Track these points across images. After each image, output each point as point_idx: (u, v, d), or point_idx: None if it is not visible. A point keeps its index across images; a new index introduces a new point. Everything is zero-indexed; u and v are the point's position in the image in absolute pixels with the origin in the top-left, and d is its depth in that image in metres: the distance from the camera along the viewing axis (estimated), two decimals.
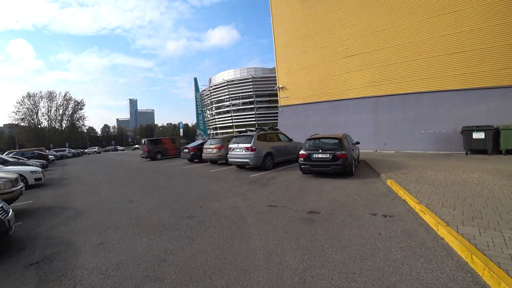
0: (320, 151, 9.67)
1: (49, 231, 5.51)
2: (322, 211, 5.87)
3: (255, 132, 12.53)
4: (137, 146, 66.74)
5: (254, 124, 43.93)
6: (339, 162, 9.31)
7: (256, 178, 10.35)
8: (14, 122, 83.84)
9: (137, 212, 6.51)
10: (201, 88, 51.58)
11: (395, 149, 18.06)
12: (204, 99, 51.68)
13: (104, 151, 68.60)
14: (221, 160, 14.91)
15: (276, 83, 39.05)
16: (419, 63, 17.33)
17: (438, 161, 12.05)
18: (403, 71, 18.12)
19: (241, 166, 13.09)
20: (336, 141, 10.00)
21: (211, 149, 15.12)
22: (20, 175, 11.53)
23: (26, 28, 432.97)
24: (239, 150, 12.12)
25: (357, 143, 11.96)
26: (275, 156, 12.64)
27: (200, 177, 11.50)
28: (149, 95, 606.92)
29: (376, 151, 18.48)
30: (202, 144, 17.87)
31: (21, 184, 7.74)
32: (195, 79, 47.58)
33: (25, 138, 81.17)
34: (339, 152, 9.38)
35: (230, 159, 12.60)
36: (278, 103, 48.46)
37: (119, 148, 76.12)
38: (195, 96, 47.16)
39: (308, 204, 6.48)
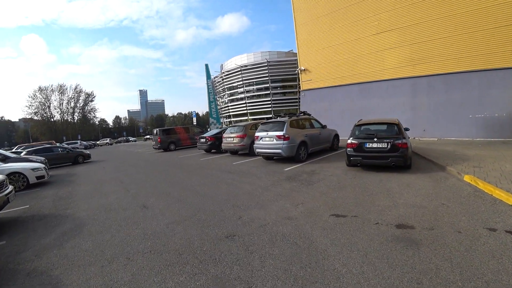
0: (375, 139, 7.78)
1: (35, 259, 3.91)
2: (415, 224, 4.14)
3: (286, 118, 10.67)
4: (148, 136, 65.60)
5: (270, 111, 41.77)
6: (399, 153, 7.49)
7: (293, 173, 8.56)
8: (27, 117, 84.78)
9: (153, 226, 4.82)
10: (212, 75, 49.69)
11: (436, 136, 15.94)
12: (216, 86, 49.60)
13: (116, 143, 68.07)
14: (244, 151, 13.15)
15: (294, 67, 36.86)
16: (465, 38, 14.95)
17: (501, 150, 10.18)
18: (446, 47, 15.76)
19: (269, 158, 11.32)
20: (394, 127, 8.15)
21: (232, 138, 13.35)
22: (20, 173, 10.18)
23: (36, 24, 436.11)
24: (268, 139, 10.30)
25: (406, 129, 9.99)
26: (309, 146, 10.79)
27: (224, 171, 9.78)
28: (158, 85, 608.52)
29: (414, 138, 16.36)
30: (220, 132, 16.14)
31: (9, 189, 6.14)
32: (207, 66, 45.63)
33: (39, 131, 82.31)
34: (399, 141, 7.54)
35: (257, 150, 10.81)
36: (295, 88, 46.52)
37: (131, 139, 75.52)
38: (207, 83, 45.26)
39: (385, 212, 4.72)
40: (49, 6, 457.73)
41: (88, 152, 21.19)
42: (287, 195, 6.09)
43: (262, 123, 11.24)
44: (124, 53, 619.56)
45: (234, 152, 14.12)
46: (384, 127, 8.48)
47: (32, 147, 26.54)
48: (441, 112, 16.18)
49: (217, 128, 41.44)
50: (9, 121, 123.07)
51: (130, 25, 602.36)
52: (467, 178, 6.60)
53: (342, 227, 4.18)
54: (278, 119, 10.92)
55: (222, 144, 14.35)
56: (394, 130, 8.06)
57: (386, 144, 7.63)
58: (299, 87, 43.44)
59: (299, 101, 41.49)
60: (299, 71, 21.65)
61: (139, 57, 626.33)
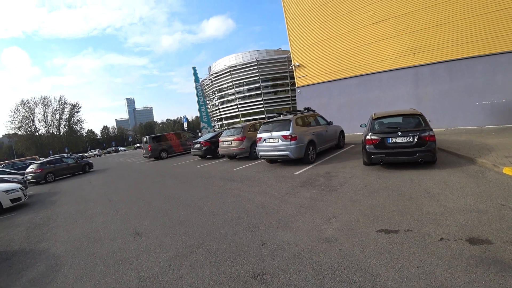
0: (399, 133, 6.83)
1: None
2: (490, 237, 3.25)
3: (291, 116, 9.62)
4: (138, 145, 63.59)
5: (263, 111, 40.63)
6: (426, 147, 6.62)
7: (307, 177, 7.52)
8: (11, 132, 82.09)
9: (150, 263, 3.68)
10: (200, 78, 48.30)
11: (442, 126, 15.16)
12: (205, 89, 48.19)
13: (105, 153, 66.00)
14: (243, 155, 12.03)
15: (284, 65, 35.95)
16: (467, 23, 14.24)
17: None
18: (447, 33, 15.01)
19: (273, 161, 10.27)
20: (417, 118, 7.29)
21: (229, 142, 12.23)
22: None
23: (17, 36, 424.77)
24: (273, 141, 9.23)
25: None
26: (317, 145, 9.78)
27: (226, 179, 8.65)
28: (146, 92, 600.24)
29: None
30: (216, 136, 15.01)
31: None
32: (194, 69, 44.25)
33: (24, 146, 79.95)
34: (426, 134, 6.68)
35: (260, 153, 9.72)
36: (286, 87, 45.57)
37: (120, 148, 73.50)
38: (195, 86, 43.89)
39: (442, 221, 3.87)
40: (29, 17, 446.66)
41: (91, 161, 22.41)
42: (312, 207, 5.03)
43: (264, 123, 10.16)
44: (109, 62, 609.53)
45: (232, 157, 13.03)
46: (406, 119, 7.55)
47: (13, 164, 24.94)
48: (446, 101, 15.42)
49: (209, 132, 40.18)
50: None
51: (113, 33, 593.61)
52: (507, 171, 5.76)
53: (401, 249, 3.17)
54: (282, 117, 9.87)
55: (218, 149, 13.22)
56: (418, 122, 7.15)
57: (411, 137, 6.71)
58: (291, 85, 42.82)
59: (295, 99, 40.66)
60: (293, 67, 20.66)
61: (125, 65, 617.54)
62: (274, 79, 40.84)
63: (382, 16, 17.01)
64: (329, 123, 11.35)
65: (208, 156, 15.07)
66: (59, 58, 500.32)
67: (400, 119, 7.63)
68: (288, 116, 9.58)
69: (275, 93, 41.64)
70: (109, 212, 6.82)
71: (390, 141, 6.92)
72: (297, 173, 8.19)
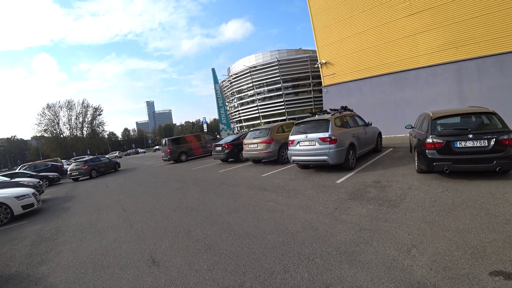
0: (470, 136, 5.52)
1: None
2: None
3: (328, 115, 8.43)
4: (157, 147, 63.75)
5: (284, 112, 39.36)
6: (505, 153, 5.31)
7: (353, 187, 6.31)
8: (37, 134, 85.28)
9: None
10: (220, 79, 47.69)
11: None
12: (224, 91, 47.46)
13: (125, 155, 66.75)
14: (270, 158, 10.93)
15: (305, 65, 34.61)
16: None
17: None
18: (498, 23, 13.37)
19: (305, 166, 9.08)
20: (491, 118, 5.96)
21: (255, 145, 11.16)
22: (1, 203, 8.21)
23: (45, 44, 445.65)
24: (308, 144, 8.06)
25: None
26: (357, 148, 8.54)
27: (255, 188, 7.56)
28: (165, 95, 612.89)
29: None
30: (239, 138, 14.00)
31: None
32: (213, 70, 43.91)
33: (49, 148, 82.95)
34: (505, 137, 5.37)
35: (293, 157, 8.56)
36: (308, 87, 44.05)
37: (140, 150, 74.25)
38: (214, 88, 43.39)
39: None
40: (56, 26, 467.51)
41: (119, 161, 25.20)
42: (376, 229, 3.84)
43: (296, 124, 8.99)
44: (130, 67, 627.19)
45: (257, 161, 11.97)
46: (476, 119, 6.20)
47: (35, 166, 25.03)
48: (496, 99, 13.68)
49: (228, 134, 39.31)
50: (21, 139, 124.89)
51: (134, 39, 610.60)
52: None
53: None
54: (317, 117, 8.69)
55: (242, 152, 12.20)
56: (493, 122, 5.81)
57: (486, 141, 5.39)
58: (314, 85, 41.36)
59: (318, 100, 39.03)
60: (319, 65, 19.40)
61: (145, 70, 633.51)
62: (295, 79, 39.47)
63: (418, 7, 15.53)
64: (368, 124, 10.07)
65: (230, 160, 14.10)
66: (84, 64, 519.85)
67: (469, 119, 6.27)
68: (326, 116, 8.39)
69: (296, 94, 40.27)
70: (122, 226, 5.88)
71: (458, 145, 5.62)
72: (338, 181, 6.98)
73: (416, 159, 6.87)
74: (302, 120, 8.90)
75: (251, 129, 12.53)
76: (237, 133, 19.16)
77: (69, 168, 19.76)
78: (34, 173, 19.20)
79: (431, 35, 15.26)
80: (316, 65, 19.50)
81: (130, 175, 16.67)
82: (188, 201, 7.17)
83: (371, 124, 10.20)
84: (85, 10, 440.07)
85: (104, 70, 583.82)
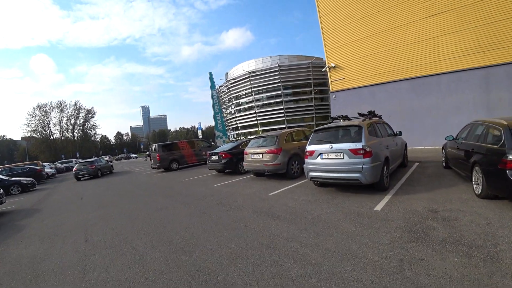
0: None
1: None
2: None
3: (359, 121, 6.64)
4: (147, 153, 59.91)
5: (283, 120, 37.46)
6: None
7: (404, 220, 4.51)
8: (27, 135, 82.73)
9: None
10: (217, 84, 45.85)
11: None
12: (221, 97, 45.60)
13: (116, 160, 64.26)
14: (278, 172, 9.03)
15: (307, 72, 33.10)
16: None
17: None
18: None
19: (324, 183, 7.22)
20: None
21: (259, 155, 9.30)
22: None
23: (42, 44, 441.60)
24: (333, 156, 6.22)
25: None
26: (390, 163, 6.77)
27: (265, 214, 5.66)
28: (162, 101, 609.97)
29: None
30: (238, 147, 12.16)
31: None
32: (210, 74, 41.97)
33: (38, 150, 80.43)
34: None
35: (312, 173, 6.67)
36: (309, 95, 42.29)
37: (132, 155, 71.83)
38: (211, 93, 41.54)
39: None
40: (55, 27, 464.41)
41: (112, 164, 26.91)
42: None
43: (316, 131, 7.14)
44: (128, 71, 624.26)
45: (259, 174, 10.12)
46: None
47: (11, 169, 22.73)
48: None
49: (224, 141, 37.36)
50: (11, 140, 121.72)
51: (133, 43, 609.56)
52: None
53: None
54: (345, 122, 6.90)
55: (243, 163, 10.31)
56: None
57: None
58: (315, 93, 39.78)
59: (321, 108, 37.39)
60: (328, 68, 17.76)
61: (142, 74, 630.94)
62: (296, 86, 37.82)
63: (441, 7, 14.08)
64: (397, 134, 8.31)
65: (227, 171, 12.21)
66: (83, 66, 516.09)
67: None
68: (356, 121, 6.61)
69: (296, 101, 38.58)
70: (71, 273, 3.93)
71: None
72: (378, 208, 5.16)
73: (481, 179, 5.09)
74: (324, 126, 7.07)
75: (254, 136, 10.67)
76: (234, 140, 17.32)
77: (74, 168, 20.98)
78: (5, 178, 17.03)
79: (455, 38, 13.75)
80: (324, 69, 17.86)
81: (114, 183, 14.62)
82: (173, 232, 5.24)
83: (400, 134, 8.44)
84: (85, 13, 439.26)
85: (102, 73, 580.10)
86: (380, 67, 15.86)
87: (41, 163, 26.71)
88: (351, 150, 5.88)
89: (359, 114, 7.56)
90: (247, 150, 9.92)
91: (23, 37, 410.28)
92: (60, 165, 39.55)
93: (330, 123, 7.58)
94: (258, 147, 9.51)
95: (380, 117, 8.11)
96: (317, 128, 7.13)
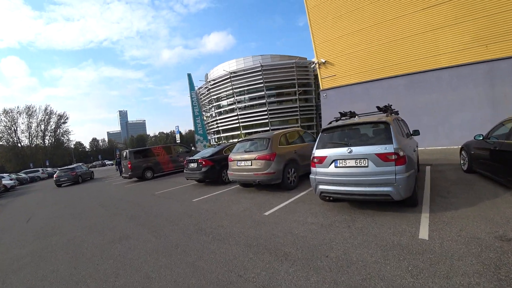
0: None
1: None
2: None
3: (383, 116, 5.10)
4: (117, 160, 56.18)
5: (267, 122, 35.77)
6: None
7: (458, 249, 2.96)
8: None
9: None
10: (196, 86, 43.65)
11: None
12: (201, 99, 43.36)
13: (90, 167, 60.30)
14: (271, 182, 7.32)
15: (291, 71, 31.85)
16: None
17: None
18: None
19: (338, 199, 5.60)
20: None
21: (247, 162, 7.59)
22: None
23: (12, 46, 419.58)
24: (353, 164, 4.61)
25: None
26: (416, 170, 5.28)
27: (263, 249, 3.97)
28: (141, 105, 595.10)
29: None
30: (221, 152, 10.42)
31: None
32: (189, 76, 39.85)
33: (4, 158, 74.73)
34: None
35: (324, 186, 4.99)
36: (294, 96, 40.63)
37: (108, 162, 68.00)
38: (190, 96, 39.38)
39: None
40: (25, 28, 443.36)
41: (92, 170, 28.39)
42: None
43: (325, 130, 5.47)
44: (105, 74, 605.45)
45: (247, 184, 8.41)
46: None
47: None
48: None
49: (205, 146, 35.28)
50: None
51: (110, 46, 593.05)
52: None
53: None
54: (364, 118, 5.35)
55: (228, 172, 8.54)
56: None
57: None
58: (300, 94, 38.38)
59: (307, 109, 36.06)
60: (317, 65, 16.38)
61: (120, 78, 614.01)
62: (279, 87, 36.32)
63: None
64: (414, 133, 6.86)
65: (207, 180, 10.40)
66: (58, 69, 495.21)
67: None
68: (379, 116, 5.07)
69: (280, 102, 37.05)
70: None
71: None
72: (423, 236, 3.66)
73: None
74: (337, 124, 5.41)
75: (240, 139, 8.92)
76: (216, 144, 15.63)
77: (55, 175, 21.34)
78: None
79: (454, 30, 12.73)
80: (312, 66, 16.57)
81: (74, 198, 12.41)
82: (134, 280, 3.44)
83: (417, 133, 6.98)
84: (59, 14, 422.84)
85: (78, 77, 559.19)
86: (374, 62, 14.63)
87: None
88: (378, 155, 4.31)
89: (378, 108, 5.99)
90: (232, 156, 8.18)
91: None
92: (24, 175, 36.06)
93: (336, 120, 6.01)
94: (246, 152, 7.82)
95: (397, 113, 6.63)
96: (327, 126, 5.50)
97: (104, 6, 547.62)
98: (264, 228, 4.79)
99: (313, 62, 15.80)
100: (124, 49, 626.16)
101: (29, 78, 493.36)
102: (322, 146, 5.15)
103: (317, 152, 5.12)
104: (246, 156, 7.60)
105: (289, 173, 7.49)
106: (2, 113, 75.71)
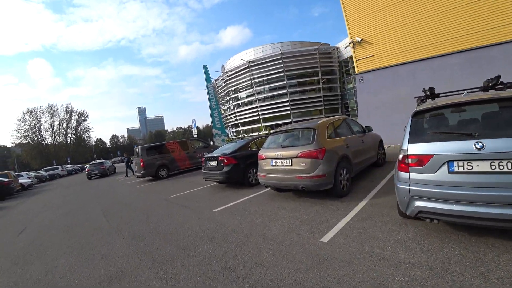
0: None
1: None
2: None
3: None
4: (123, 157, 51.19)
5: (289, 114, 33.62)
6: None
7: None
8: (17, 141, 79.18)
9: None
10: (213, 78, 41.95)
11: None
12: (217, 91, 41.57)
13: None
14: (320, 188, 5.37)
15: (314, 59, 29.60)
16: None
17: None
18: None
19: (408, 217, 3.62)
20: None
21: (286, 161, 5.70)
22: None
23: (36, 49, 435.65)
24: (488, 169, 2.66)
25: None
26: None
27: None
28: (160, 102, 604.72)
29: None
30: (246, 147, 8.65)
31: None
32: (205, 67, 38.04)
33: (29, 156, 77.23)
34: None
35: (434, 207, 3.02)
36: (317, 85, 38.11)
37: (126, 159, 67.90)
38: (207, 88, 37.62)
39: None
40: (48, 31, 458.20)
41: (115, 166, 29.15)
42: None
43: (420, 113, 3.50)
44: (123, 73, 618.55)
45: (282, 189, 6.52)
46: None
47: None
48: None
49: (223, 140, 33.58)
50: (4, 147, 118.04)
51: (127, 45, 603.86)
52: None
53: None
54: (489, 94, 3.39)
55: (259, 174, 6.61)
56: None
57: None
58: (323, 82, 35.94)
59: (331, 98, 33.66)
60: (351, 44, 14.19)
61: (139, 76, 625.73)
62: (301, 76, 33.86)
63: None
64: None
65: (229, 181, 8.63)
66: (80, 69, 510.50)
67: None
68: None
69: (302, 92, 34.61)
70: None
71: None
72: None
73: None
74: (444, 103, 3.44)
75: (274, 130, 6.99)
76: (237, 139, 13.85)
77: (87, 169, 24.14)
78: None
79: None
80: (346, 47, 14.26)
81: (80, 201, 11.05)
82: None
83: None
84: (78, 16, 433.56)
85: (98, 76, 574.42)
86: (421, 38, 12.29)
87: (12, 173, 22.93)
88: None
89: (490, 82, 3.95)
90: (263, 153, 6.34)
91: (16, 43, 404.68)
92: (44, 173, 35.81)
93: (425, 99, 4.07)
94: (282, 147, 5.94)
95: None
96: (424, 107, 3.51)
97: (120, 6, 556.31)
98: (333, 272, 2.95)
99: (349, 43, 13.57)
100: (141, 47, 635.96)
101: (53, 78, 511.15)
102: (420, 139, 3.23)
103: (414, 149, 3.20)
104: (284, 152, 5.73)
105: (341, 175, 5.59)
106: (27, 113, 77.88)
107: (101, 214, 7.96)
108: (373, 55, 13.67)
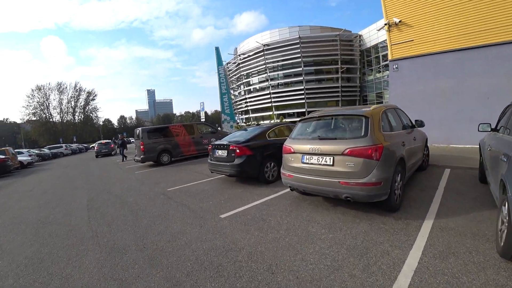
0: None
1: None
2: None
3: None
4: (115, 140, 32.97)
5: (303, 103, 31.67)
6: None
7: None
8: (25, 118, 79.33)
9: None
10: (225, 61, 40.11)
11: None
12: (229, 75, 39.59)
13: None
14: (374, 199, 3.81)
15: (334, 45, 27.84)
16: None
17: None
18: None
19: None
20: None
21: (325, 158, 4.17)
22: None
23: (49, 27, 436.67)
24: None
25: None
26: None
27: None
28: (170, 85, 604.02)
29: None
30: (264, 135, 7.16)
31: None
32: (217, 49, 36.11)
33: (37, 133, 77.61)
34: None
35: None
36: (336, 74, 35.75)
37: (132, 140, 67.39)
38: (218, 71, 35.87)
39: None
40: (62, 9, 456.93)
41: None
42: None
43: None
44: (135, 54, 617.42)
45: (309, 193, 4.96)
46: None
47: None
48: None
49: (232, 126, 32.03)
50: (14, 123, 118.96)
51: (140, 26, 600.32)
52: None
53: None
54: None
55: (283, 172, 5.02)
56: None
57: None
58: (342, 72, 33.82)
59: (350, 88, 31.75)
60: (387, 26, 12.35)
61: (151, 58, 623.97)
62: (319, 63, 31.69)
63: None
64: None
65: (241, 175, 7.15)
66: (93, 49, 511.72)
67: None
68: None
69: (319, 81, 32.48)
70: None
71: None
72: None
73: None
74: None
75: (306, 117, 5.32)
76: (248, 126, 12.27)
77: (96, 147, 25.38)
78: None
79: None
80: (379, 29, 12.44)
81: (69, 186, 9.76)
82: None
83: None
84: None
85: (110, 56, 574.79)
86: (473, 21, 10.39)
87: (11, 150, 21.79)
88: None
89: None
90: (292, 144, 4.79)
91: (30, 20, 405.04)
92: (47, 150, 34.95)
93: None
94: (321, 139, 4.39)
95: None
96: None
97: None
98: None
99: (384, 24, 11.76)
100: (153, 29, 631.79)
101: (67, 57, 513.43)
102: None
103: None
104: (323, 147, 4.18)
105: (396, 182, 4.06)
106: (35, 89, 77.69)
107: (85, 207, 6.60)
108: (413, 40, 11.80)
